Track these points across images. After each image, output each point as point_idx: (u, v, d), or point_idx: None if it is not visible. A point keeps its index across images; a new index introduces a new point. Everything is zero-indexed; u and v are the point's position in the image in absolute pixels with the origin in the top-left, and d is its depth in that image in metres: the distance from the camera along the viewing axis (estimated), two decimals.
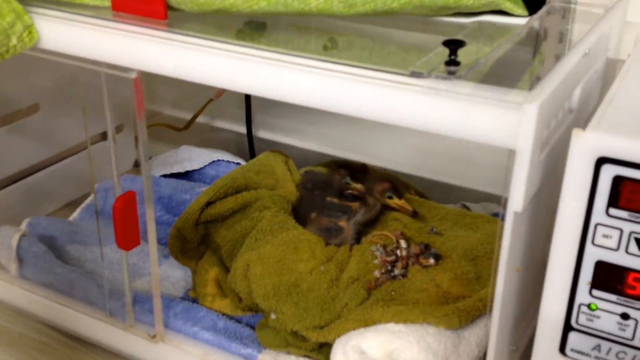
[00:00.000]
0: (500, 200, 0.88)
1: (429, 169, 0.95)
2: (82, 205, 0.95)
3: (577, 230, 0.47)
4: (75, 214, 0.94)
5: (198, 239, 0.80)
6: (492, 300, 0.53)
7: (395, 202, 0.76)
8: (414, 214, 0.77)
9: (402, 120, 0.47)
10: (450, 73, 0.47)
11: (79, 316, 0.75)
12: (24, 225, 0.86)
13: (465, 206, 0.87)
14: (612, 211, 0.46)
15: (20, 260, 0.80)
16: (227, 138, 1.09)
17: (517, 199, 0.46)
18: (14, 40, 0.59)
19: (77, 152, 1.00)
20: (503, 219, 0.50)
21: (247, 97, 1.03)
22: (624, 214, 0.46)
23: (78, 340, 0.77)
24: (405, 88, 0.46)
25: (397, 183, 0.76)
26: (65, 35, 0.60)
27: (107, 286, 0.74)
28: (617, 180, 0.45)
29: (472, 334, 0.63)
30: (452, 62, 0.48)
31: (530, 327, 0.67)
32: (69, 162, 1.00)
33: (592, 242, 0.47)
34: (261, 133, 1.06)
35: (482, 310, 0.64)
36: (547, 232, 0.50)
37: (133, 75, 0.58)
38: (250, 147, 1.06)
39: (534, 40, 0.61)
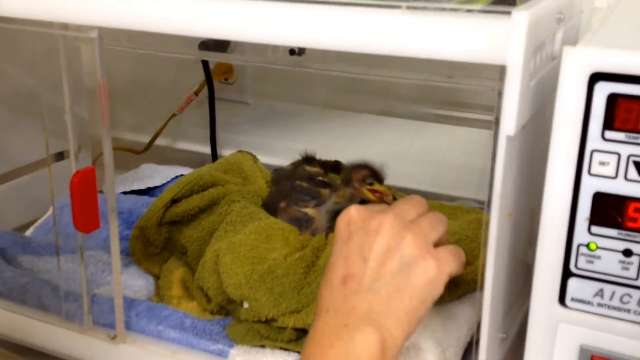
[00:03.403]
0: (475, 201, 0.86)
1: (399, 177, 0.92)
2: (36, 224, 0.89)
3: (572, 160, 0.45)
4: (28, 232, 0.88)
5: (162, 242, 0.75)
6: (482, 275, 0.50)
7: (377, 187, 0.73)
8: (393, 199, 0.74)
9: (386, 46, 0.45)
10: None
11: (31, 323, 0.69)
12: None
13: None
14: (608, 134, 0.44)
15: None
16: (189, 159, 1.05)
17: (509, 121, 0.44)
18: None
19: (27, 173, 0.95)
20: (488, 210, 0.47)
21: (212, 114, 1.01)
22: (620, 135, 0.43)
23: (28, 353, 0.70)
24: (389, 11, 0.44)
25: (375, 169, 0.73)
26: None
27: (63, 288, 0.68)
28: (612, 99, 0.43)
29: (460, 311, 0.60)
30: None
31: (519, 316, 0.63)
32: (17, 183, 0.94)
33: (589, 171, 0.45)
34: (225, 151, 1.03)
35: (470, 285, 0.60)
36: (539, 187, 0.47)
37: (94, 35, 0.55)
38: None
39: None
